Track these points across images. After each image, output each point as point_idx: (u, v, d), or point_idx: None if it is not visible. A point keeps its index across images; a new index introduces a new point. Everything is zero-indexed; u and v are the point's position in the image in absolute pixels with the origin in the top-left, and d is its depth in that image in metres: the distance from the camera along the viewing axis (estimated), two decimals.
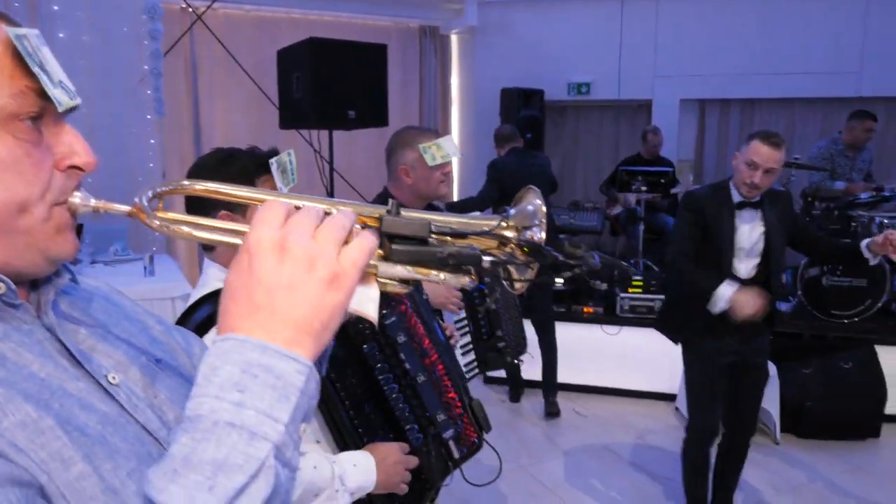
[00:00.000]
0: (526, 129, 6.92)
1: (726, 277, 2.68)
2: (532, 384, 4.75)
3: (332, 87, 5.53)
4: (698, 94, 7.07)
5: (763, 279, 2.76)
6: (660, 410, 4.60)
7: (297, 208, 0.66)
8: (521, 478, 3.70)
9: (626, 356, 4.69)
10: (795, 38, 6.64)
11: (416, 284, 1.36)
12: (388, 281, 0.70)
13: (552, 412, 4.49)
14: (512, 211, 0.78)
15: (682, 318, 2.95)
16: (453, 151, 2.09)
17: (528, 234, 0.77)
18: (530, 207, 0.77)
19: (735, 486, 3.15)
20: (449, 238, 0.73)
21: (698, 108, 7.24)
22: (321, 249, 0.64)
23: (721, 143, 7.24)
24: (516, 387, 4.85)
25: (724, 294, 2.65)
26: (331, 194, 5.90)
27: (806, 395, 4.07)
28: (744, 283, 2.71)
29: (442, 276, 0.71)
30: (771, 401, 3.95)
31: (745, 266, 2.77)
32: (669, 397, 4.67)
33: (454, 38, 7.51)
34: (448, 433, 1.58)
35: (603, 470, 3.81)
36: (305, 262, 0.63)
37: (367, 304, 0.69)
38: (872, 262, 2.61)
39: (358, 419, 1.48)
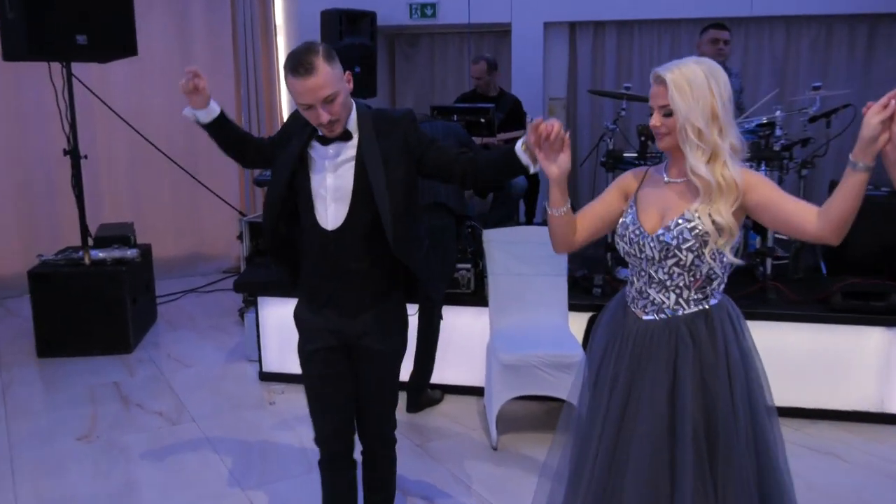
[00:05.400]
0: (353, 60, 5.68)
1: None
2: None
3: (55, 3, 4.22)
4: (566, 15, 5.85)
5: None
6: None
7: None
8: None
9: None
10: None
11: None
12: None
13: None
14: None
15: None
16: None
17: None
18: None
19: None
20: None
21: (567, 33, 6.02)
22: None
23: (596, 76, 6.06)
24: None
25: None
26: (74, 143, 4.62)
27: None
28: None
29: None
30: None
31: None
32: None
33: None
34: None
35: None
36: None
37: None
38: (533, 169, 1.85)
39: None
